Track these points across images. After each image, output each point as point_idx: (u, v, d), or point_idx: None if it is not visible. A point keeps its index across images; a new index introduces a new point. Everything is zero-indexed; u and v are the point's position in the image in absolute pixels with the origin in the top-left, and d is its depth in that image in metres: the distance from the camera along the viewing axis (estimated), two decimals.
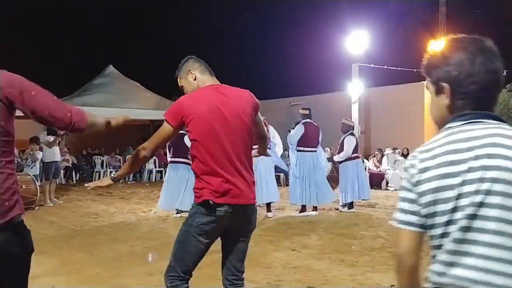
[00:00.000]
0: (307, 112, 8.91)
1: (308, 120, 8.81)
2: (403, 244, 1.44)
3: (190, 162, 9.21)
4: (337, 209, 9.11)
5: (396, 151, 15.39)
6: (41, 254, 5.57)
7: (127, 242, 6.26)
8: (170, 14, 34.97)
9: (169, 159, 8.86)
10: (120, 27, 32.71)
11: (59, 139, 10.67)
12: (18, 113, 2.12)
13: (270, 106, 22.26)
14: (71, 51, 30.62)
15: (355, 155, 9.23)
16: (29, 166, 10.30)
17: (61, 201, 10.81)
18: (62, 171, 15.95)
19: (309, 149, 8.63)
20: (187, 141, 8.60)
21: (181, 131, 8.71)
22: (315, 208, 8.70)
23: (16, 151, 10.45)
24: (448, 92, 1.45)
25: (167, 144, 8.81)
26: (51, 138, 10.46)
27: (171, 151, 8.74)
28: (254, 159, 8.27)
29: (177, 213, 8.42)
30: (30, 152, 10.26)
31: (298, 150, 8.64)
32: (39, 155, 10.45)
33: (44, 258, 5.37)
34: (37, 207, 9.49)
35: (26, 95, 2.10)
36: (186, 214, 8.44)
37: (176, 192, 8.37)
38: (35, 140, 10.43)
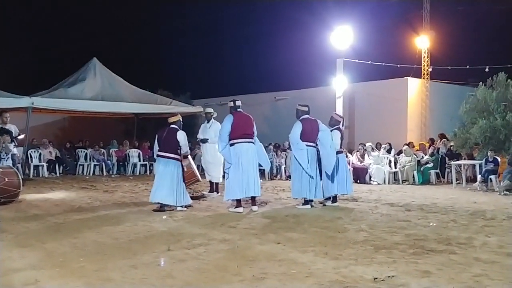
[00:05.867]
0: (306, 109, 8.91)
1: (306, 116, 8.85)
2: None
3: (179, 158, 9.14)
4: (321, 203, 9.18)
5: (382, 146, 15.53)
6: (24, 248, 5.56)
7: (111, 235, 6.24)
8: (155, 8, 34.74)
9: (157, 153, 8.62)
10: (105, 20, 32.42)
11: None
12: None
13: (255, 100, 22.31)
14: (54, 43, 30.27)
15: (338, 149, 9.28)
16: (4, 158, 10.15)
17: None
18: (45, 164, 15.85)
19: (308, 143, 8.65)
20: (179, 137, 8.55)
21: (173, 126, 8.69)
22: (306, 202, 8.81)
23: None
24: None
25: (156, 136, 8.74)
26: None
27: (160, 144, 8.60)
28: (235, 152, 8.38)
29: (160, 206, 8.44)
30: (3, 145, 10.07)
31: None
32: (12, 146, 10.31)
33: (27, 252, 5.35)
34: (20, 200, 9.40)
35: None
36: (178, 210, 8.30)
37: (171, 187, 8.35)
38: (6, 131, 10.26)
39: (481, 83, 14.27)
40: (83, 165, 17.10)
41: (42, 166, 15.86)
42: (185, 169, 8.86)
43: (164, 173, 8.42)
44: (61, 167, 16.77)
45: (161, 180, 8.43)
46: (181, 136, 8.56)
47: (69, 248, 5.53)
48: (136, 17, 33.15)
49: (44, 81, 18.63)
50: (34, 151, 15.74)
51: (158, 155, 8.60)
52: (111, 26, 32.01)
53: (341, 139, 9.44)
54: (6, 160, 10.11)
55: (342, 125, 9.68)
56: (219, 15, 32.64)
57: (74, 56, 23.98)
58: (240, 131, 8.39)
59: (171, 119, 8.78)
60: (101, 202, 9.68)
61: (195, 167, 10.14)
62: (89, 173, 16.83)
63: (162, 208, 8.37)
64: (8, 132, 10.21)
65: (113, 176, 16.45)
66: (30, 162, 15.37)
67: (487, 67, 17.52)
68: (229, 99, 8.94)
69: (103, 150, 17.66)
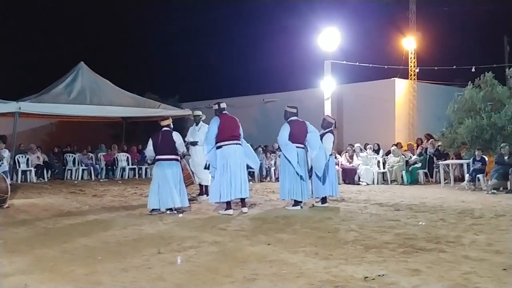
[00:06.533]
0: (294, 110, 8.93)
1: (294, 118, 8.87)
2: None
3: (179, 158, 9.09)
4: (312, 205, 9.19)
5: (368, 146, 15.60)
6: (13, 253, 5.51)
7: (101, 239, 6.22)
8: (143, 11, 34.65)
9: (158, 157, 8.50)
10: (92, 23, 32.29)
11: None
12: None
13: (244, 103, 22.32)
14: (41, 47, 30.06)
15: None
16: None
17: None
18: (33, 169, 15.73)
19: (297, 145, 8.68)
20: (175, 137, 8.55)
21: (166, 128, 8.65)
22: (296, 203, 8.81)
23: None
24: None
25: (151, 142, 8.66)
26: None
27: (157, 149, 8.48)
28: (223, 154, 8.36)
29: (169, 209, 8.39)
30: None
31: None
32: (5, 153, 10.24)
33: (17, 257, 5.31)
34: (7, 205, 9.32)
35: None
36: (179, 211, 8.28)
37: (176, 189, 8.34)
38: (1, 138, 10.20)
39: (470, 82, 14.37)
40: (71, 170, 16.98)
41: (30, 171, 15.75)
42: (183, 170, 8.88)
43: (170, 175, 8.37)
44: (49, 172, 16.66)
45: (168, 183, 8.35)
46: (177, 136, 8.59)
47: (59, 252, 5.50)
48: (123, 21, 33.02)
49: (31, 86, 18.47)
50: (22, 156, 15.62)
51: (159, 159, 8.50)
52: (98, 30, 31.88)
53: (333, 142, 9.48)
54: (0, 166, 10.03)
55: (334, 127, 9.72)
56: (207, 18, 32.64)
57: (61, 61, 23.81)
58: (227, 133, 8.39)
59: (163, 123, 8.71)
60: (90, 206, 9.64)
61: (190, 168, 10.15)
62: (78, 178, 16.72)
63: (180, 209, 8.47)
64: (1, 138, 10.13)
65: (101, 180, 16.36)
66: (17, 167, 15.26)
67: (473, 67, 17.67)
68: (221, 102, 8.90)
69: (91, 155, 17.57)
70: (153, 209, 8.36)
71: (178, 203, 8.40)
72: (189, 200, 10.05)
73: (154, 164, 8.72)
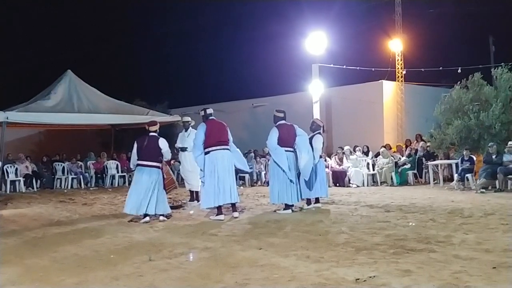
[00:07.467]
0: (282, 114, 8.98)
1: (283, 122, 8.90)
2: None
3: (161, 166, 9.05)
4: (300, 209, 9.20)
5: (357, 148, 15.65)
6: (3, 264, 5.46)
7: (91, 248, 6.18)
8: (130, 17, 34.59)
9: (137, 162, 8.44)
10: (79, 31, 32.16)
11: None
12: None
13: (233, 108, 22.36)
14: (27, 56, 29.89)
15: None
16: None
17: None
18: (22, 179, 15.61)
19: (286, 149, 8.71)
20: (162, 144, 8.47)
21: (153, 134, 8.58)
22: (287, 206, 8.82)
23: None
24: None
25: (136, 146, 8.60)
26: None
27: (140, 153, 8.44)
28: (211, 159, 8.33)
29: (144, 216, 8.31)
30: None
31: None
32: None
33: (6, 268, 5.26)
34: None
35: None
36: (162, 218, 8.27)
37: (146, 196, 8.26)
38: None
39: (458, 82, 14.46)
40: (60, 179, 16.88)
41: (19, 181, 15.63)
42: (165, 176, 8.79)
43: (145, 181, 8.31)
44: (39, 182, 16.54)
45: (137, 190, 8.32)
46: (163, 143, 8.49)
47: (49, 262, 5.46)
48: (110, 28, 32.94)
49: (18, 95, 18.37)
50: (10, 166, 15.51)
51: (139, 164, 8.43)
52: (85, 38, 31.76)
53: (323, 143, 9.53)
54: None
55: (323, 131, 9.77)
56: (195, 23, 32.66)
57: (48, 69, 23.72)
58: (214, 139, 8.38)
59: (152, 128, 8.62)
60: (80, 215, 9.58)
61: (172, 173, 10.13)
62: (67, 187, 16.62)
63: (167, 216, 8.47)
64: None
65: (91, 188, 16.27)
66: (6, 177, 15.14)
67: (460, 68, 17.79)
68: (207, 108, 8.89)
69: (80, 163, 17.48)
70: (145, 215, 8.29)
71: (152, 210, 8.31)
72: (174, 207, 9.95)
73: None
